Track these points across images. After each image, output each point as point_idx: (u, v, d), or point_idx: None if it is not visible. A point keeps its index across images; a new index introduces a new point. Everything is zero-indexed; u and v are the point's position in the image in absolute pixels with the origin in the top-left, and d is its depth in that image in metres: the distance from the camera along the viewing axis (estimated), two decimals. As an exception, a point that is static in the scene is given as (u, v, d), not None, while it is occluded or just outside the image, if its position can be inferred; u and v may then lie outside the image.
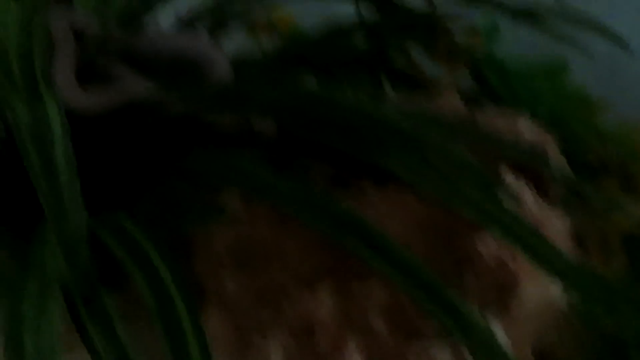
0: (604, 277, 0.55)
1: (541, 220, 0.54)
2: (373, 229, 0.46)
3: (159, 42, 0.62)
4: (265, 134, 0.55)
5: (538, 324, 0.54)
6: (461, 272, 0.51)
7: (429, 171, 0.50)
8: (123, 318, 0.44)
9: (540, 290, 0.52)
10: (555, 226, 0.55)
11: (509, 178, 0.55)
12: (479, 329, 0.43)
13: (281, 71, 0.67)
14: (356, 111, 0.53)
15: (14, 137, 0.48)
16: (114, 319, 0.44)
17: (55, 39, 0.59)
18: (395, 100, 0.66)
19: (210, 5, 0.69)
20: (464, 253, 0.51)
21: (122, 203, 0.53)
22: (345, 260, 0.50)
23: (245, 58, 0.79)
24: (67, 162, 0.48)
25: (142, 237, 0.48)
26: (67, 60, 0.59)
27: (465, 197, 0.49)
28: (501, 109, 0.66)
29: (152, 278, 0.45)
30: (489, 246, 0.51)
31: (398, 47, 0.73)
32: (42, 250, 0.49)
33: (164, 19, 0.70)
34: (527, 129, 0.60)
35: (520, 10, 0.66)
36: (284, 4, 0.71)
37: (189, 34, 0.63)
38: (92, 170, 0.55)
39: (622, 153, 0.67)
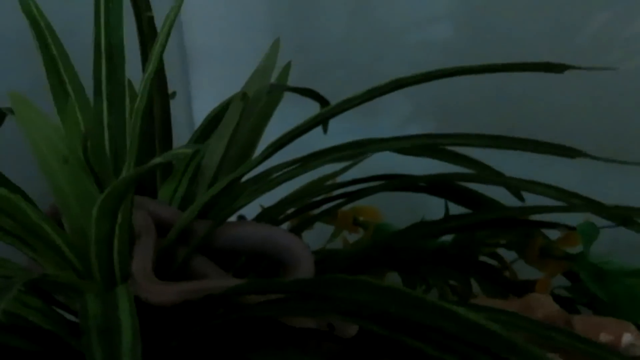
0: None
1: None
2: None
3: (242, 233, 0.61)
4: (346, 333, 0.52)
5: None
6: None
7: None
8: None
9: None
10: None
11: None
12: None
13: (365, 266, 0.65)
14: (442, 311, 0.50)
15: (80, 327, 0.46)
16: None
17: (136, 229, 0.59)
18: (484, 300, 0.63)
19: (295, 197, 0.69)
20: None
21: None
22: None
23: (329, 251, 0.78)
24: (133, 356, 0.45)
25: None
26: (147, 251, 0.58)
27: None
28: (600, 316, 0.61)
29: None
30: None
31: (488, 245, 0.70)
32: None
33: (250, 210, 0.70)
34: (630, 339, 0.54)
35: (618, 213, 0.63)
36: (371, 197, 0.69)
37: (274, 227, 0.62)
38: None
39: None
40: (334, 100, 0.65)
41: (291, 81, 0.80)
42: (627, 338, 0.54)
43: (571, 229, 0.67)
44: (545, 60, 0.61)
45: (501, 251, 0.72)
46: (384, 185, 0.68)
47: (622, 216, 0.62)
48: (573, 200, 0.63)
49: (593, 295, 0.66)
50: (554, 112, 0.95)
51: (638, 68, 0.91)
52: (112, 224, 0.53)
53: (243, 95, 0.63)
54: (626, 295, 0.65)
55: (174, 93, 0.80)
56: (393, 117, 1.08)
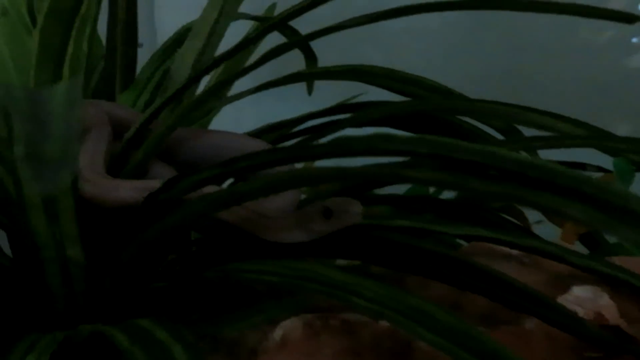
0: None
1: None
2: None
3: (213, 142, 0.51)
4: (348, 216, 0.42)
5: None
6: None
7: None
8: None
9: None
10: None
11: None
12: None
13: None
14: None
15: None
16: None
17: (86, 123, 0.49)
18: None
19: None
20: None
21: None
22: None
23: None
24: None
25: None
26: (98, 146, 0.48)
27: None
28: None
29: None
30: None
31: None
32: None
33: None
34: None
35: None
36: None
37: (248, 136, 0.53)
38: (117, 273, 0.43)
39: None
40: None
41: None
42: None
43: (604, 171, 0.57)
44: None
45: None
46: (352, 118, 0.57)
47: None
48: (578, 131, 0.52)
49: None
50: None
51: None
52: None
53: (223, -16, 0.53)
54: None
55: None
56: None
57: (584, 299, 0.45)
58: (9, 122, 0.33)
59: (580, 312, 0.43)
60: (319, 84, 0.75)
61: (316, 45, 0.72)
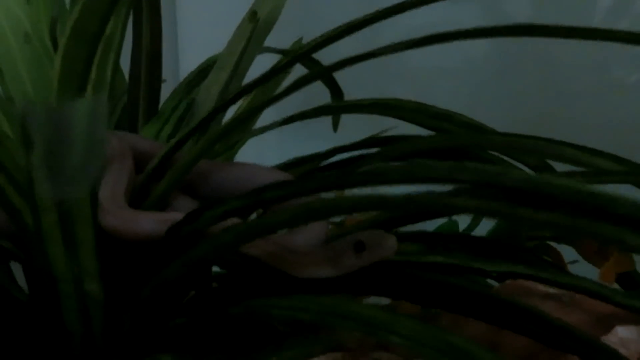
0: None
1: None
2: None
3: (237, 175, 0.49)
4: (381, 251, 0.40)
5: None
6: None
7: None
8: None
9: None
10: None
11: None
12: None
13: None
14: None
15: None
16: None
17: (108, 155, 0.48)
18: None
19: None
20: None
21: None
22: None
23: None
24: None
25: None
26: (119, 178, 0.46)
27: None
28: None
29: None
30: None
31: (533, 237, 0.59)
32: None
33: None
34: None
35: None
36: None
37: (275, 169, 0.51)
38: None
39: None
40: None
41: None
42: None
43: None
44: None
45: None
46: (382, 152, 0.55)
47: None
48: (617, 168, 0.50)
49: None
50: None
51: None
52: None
53: (252, 15, 0.52)
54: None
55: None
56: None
57: (628, 340, 0.42)
58: (27, 146, 0.32)
59: (625, 354, 0.41)
60: (342, 121, 0.74)
61: (342, 84, 0.71)
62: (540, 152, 0.52)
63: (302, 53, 0.50)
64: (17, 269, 0.50)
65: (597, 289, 0.43)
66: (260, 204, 0.39)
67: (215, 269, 0.52)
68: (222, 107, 0.47)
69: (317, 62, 0.66)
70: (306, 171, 0.56)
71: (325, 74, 0.62)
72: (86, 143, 0.30)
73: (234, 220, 0.41)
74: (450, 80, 1.04)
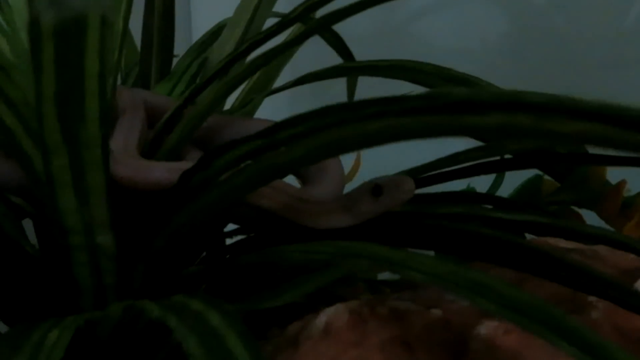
0: None
1: None
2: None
3: (251, 128, 0.48)
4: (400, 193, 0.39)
5: None
6: None
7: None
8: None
9: None
10: None
11: None
12: None
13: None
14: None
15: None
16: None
17: (120, 107, 0.47)
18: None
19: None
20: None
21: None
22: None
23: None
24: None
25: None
26: (132, 129, 0.46)
27: None
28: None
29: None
30: None
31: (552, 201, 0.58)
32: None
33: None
34: None
35: None
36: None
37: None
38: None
39: None
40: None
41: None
42: None
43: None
44: None
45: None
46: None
47: None
48: None
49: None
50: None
51: None
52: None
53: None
54: None
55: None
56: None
57: (654, 290, 0.41)
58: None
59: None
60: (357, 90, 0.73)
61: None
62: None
63: (307, 7, 0.49)
64: (28, 229, 0.49)
65: (623, 239, 0.41)
66: (274, 146, 0.37)
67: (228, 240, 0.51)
68: (235, 59, 0.46)
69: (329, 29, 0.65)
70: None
71: (330, 31, 0.61)
72: None
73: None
74: (466, 61, 1.03)
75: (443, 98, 0.29)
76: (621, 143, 0.24)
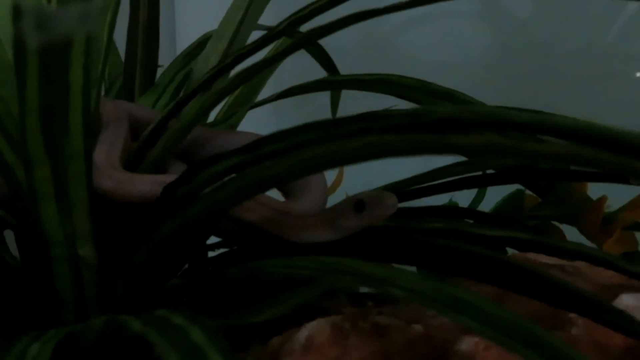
0: None
1: None
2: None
3: (234, 142, 0.48)
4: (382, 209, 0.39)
5: None
6: None
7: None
8: None
9: None
10: None
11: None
12: None
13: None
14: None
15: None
16: None
17: (104, 119, 0.47)
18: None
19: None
20: None
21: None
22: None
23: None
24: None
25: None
26: (115, 142, 0.46)
27: None
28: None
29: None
30: None
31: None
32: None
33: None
34: None
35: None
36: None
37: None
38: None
39: None
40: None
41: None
42: None
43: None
44: None
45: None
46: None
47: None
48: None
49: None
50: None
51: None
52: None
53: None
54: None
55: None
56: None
57: (633, 307, 0.41)
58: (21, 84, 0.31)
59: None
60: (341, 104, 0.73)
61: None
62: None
63: (293, 21, 0.49)
64: (9, 240, 0.49)
65: (602, 256, 0.42)
66: (258, 160, 0.37)
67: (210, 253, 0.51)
68: (219, 72, 0.46)
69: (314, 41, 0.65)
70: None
71: (315, 44, 0.61)
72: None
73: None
74: (450, 74, 1.04)
75: (427, 116, 0.29)
76: (597, 164, 0.25)
